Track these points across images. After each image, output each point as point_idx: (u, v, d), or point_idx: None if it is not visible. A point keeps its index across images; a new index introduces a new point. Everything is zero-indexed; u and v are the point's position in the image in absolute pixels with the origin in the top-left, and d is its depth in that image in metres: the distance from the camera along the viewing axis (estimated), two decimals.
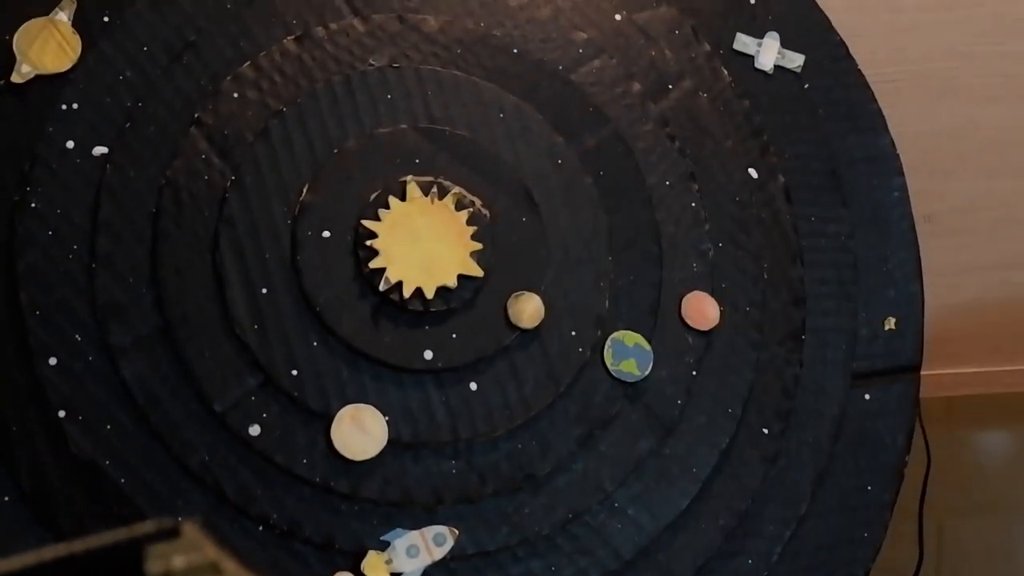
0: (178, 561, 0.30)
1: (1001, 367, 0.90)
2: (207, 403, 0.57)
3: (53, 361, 0.57)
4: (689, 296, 0.66)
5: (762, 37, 0.73)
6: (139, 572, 0.32)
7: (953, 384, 0.90)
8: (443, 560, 0.59)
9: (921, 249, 0.77)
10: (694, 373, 0.65)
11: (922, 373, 0.88)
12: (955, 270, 0.86)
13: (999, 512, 1.14)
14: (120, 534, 0.32)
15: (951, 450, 1.09)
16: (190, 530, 0.33)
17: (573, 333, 0.63)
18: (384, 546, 0.58)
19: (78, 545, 0.32)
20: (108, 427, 0.56)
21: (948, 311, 0.87)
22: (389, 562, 0.58)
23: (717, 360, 0.66)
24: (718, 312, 0.66)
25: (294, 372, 0.58)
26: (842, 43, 0.75)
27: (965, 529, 1.14)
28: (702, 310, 0.66)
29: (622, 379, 0.63)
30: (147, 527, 0.33)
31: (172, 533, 0.32)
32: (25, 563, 0.31)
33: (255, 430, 0.57)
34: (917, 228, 0.76)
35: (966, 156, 0.86)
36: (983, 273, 0.87)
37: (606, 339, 0.63)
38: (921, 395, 0.97)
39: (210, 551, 0.32)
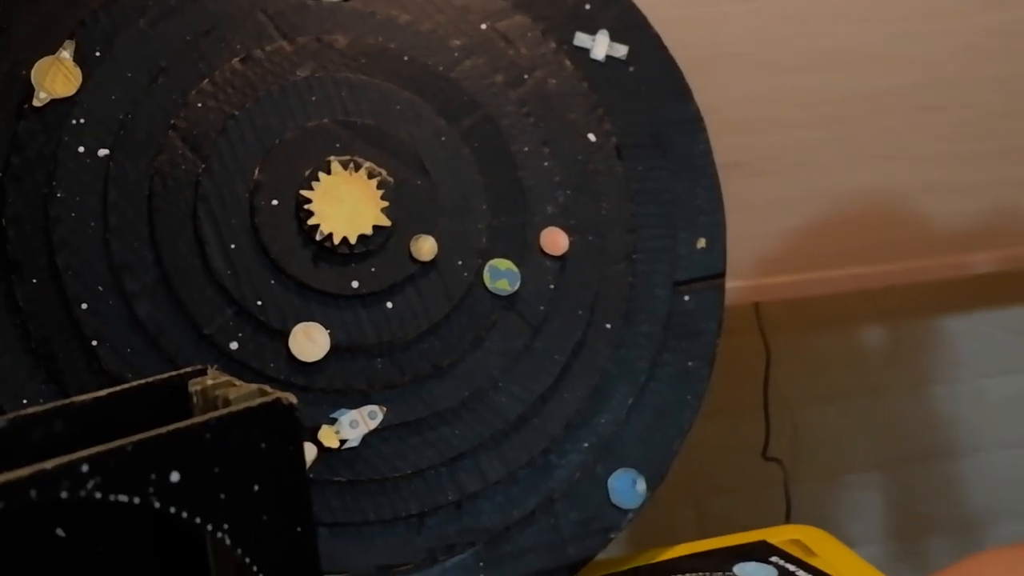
0: (209, 381, 0.53)
1: (809, 275, 1.15)
2: (198, 329, 0.80)
3: (84, 306, 0.78)
4: (546, 231, 0.89)
5: (595, 34, 0.96)
6: (184, 392, 0.54)
7: (774, 290, 1.15)
8: (377, 429, 0.83)
9: (735, 188, 1.01)
10: (552, 287, 0.89)
11: (749, 283, 1.13)
12: (763, 203, 1.10)
13: (838, 400, 1.40)
14: (170, 374, 0.55)
15: (793, 349, 1.35)
16: (212, 370, 0.56)
17: (460, 263, 0.86)
18: (333, 422, 0.81)
19: (145, 381, 0.55)
20: (129, 350, 0.79)
21: (761, 235, 1.12)
22: (337, 432, 0.81)
23: (569, 277, 0.90)
24: (568, 242, 0.90)
25: (259, 303, 0.81)
26: (657, 36, 0.98)
27: (812, 416, 1.39)
28: (556, 241, 0.89)
29: (498, 294, 0.87)
30: (185, 369, 0.55)
31: (202, 371, 0.55)
32: (106, 393, 0.54)
33: (234, 345, 0.80)
34: (729, 172, 1.00)
35: (769, 115, 1.10)
36: (786, 205, 1.12)
37: (485, 265, 0.87)
38: (757, 301, 1.22)
39: (226, 377, 0.55)
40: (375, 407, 0.82)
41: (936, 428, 1.47)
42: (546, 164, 0.91)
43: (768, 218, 1.10)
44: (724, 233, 0.96)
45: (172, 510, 0.46)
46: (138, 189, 0.81)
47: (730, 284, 1.00)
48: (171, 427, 0.46)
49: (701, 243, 0.95)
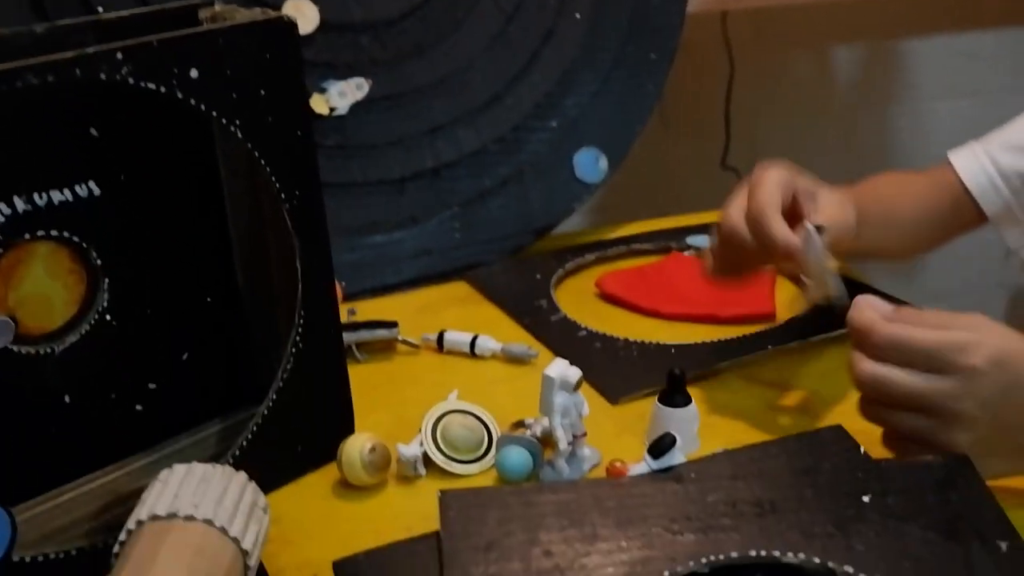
0: (217, 8, 0.61)
1: None
2: None
3: None
4: None
5: None
6: (195, 21, 0.62)
7: None
8: (363, 100, 0.91)
9: None
10: None
11: None
12: None
13: (797, 115, 1.49)
14: (183, 3, 0.62)
15: (757, 65, 1.42)
16: (219, 2, 0.63)
17: None
18: (323, 91, 0.90)
19: (161, 6, 0.62)
20: None
21: None
22: (327, 100, 0.90)
23: None
24: None
25: None
26: None
27: (771, 129, 1.48)
28: None
29: None
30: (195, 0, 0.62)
31: (210, 3, 0.62)
32: (128, 12, 0.61)
33: None
34: None
35: None
36: None
37: None
38: (724, 9, 1.28)
39: (232, 6, 0.62)
40: (361, 79, 0.90)
41: (889, 147, 1.57)
42: None
43: None
44: None
45: (192, 102, 0.54)
46: None
47: None
48: (190, 30, 0.54)
49: None
